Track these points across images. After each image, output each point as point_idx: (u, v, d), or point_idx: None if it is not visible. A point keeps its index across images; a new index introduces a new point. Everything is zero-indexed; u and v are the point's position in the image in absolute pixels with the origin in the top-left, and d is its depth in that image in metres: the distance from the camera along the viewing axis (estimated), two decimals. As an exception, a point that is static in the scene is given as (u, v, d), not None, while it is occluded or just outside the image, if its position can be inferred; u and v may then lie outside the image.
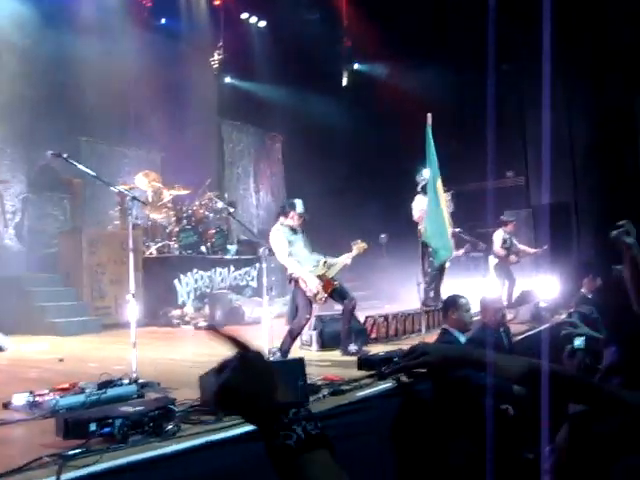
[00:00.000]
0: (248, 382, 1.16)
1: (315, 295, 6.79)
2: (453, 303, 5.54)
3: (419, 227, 9.73)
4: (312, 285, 6.76)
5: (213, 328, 1.20)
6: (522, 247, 11.93)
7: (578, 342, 3.16)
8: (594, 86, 14.35)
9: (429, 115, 9.07)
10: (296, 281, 6.85)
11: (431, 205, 9.13)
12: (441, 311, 5.73)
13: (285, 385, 1.19)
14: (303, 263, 6.91)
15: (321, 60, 15.96)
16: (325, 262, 7.00)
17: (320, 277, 6.85)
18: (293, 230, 7.01)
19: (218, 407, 1.18)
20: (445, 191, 9.71)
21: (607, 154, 14.13)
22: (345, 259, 7.12)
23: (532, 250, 12.02)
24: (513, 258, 11.63)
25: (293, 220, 7.03)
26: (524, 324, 9.03)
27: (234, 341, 1.20)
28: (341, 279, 7.19)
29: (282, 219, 7.07)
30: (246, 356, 1.18)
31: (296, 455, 1.09)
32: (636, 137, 14.22)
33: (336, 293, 7.00)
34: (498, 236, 11.70)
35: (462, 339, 5.41)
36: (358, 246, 7.24)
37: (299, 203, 7.11)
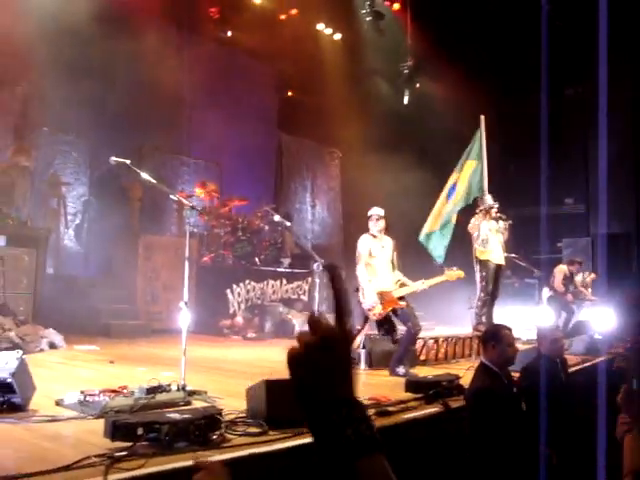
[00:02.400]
0: (318, 364, 1.11)
1: (370, 310, 6.92)
2: (494, 335, 4.90)
3: (475, 248, 9.65)
4: (368, 299, 6.93)
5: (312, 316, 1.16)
6: (582, 290, 11.75)
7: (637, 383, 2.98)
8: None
9: (482, 117, 9.06)
10: (358, 291, 6.97)
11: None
12: (481, 343, 5.07)
13: (351, 383, 1.14)
14: (379, 276, 7.00)
15: (384, 77, 15.96)
16: (398, 281, 7.06)
17: (383, 294, 6.92)
18: (380, 243, 7.10)
19: (291, 376, 1.14)
20: (504, 219, 9.66)
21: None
22: (428, 283, 7.14)
23: (591, 296, 11.85)
24: (570, 297, 11.47)
25: (370, 226, 7.21)
26: (577, 356, 8.81)
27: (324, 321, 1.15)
28: (413, 303, 7.22)
29: (370, 227, 7.26)
30: (328, 337, 1.13)
31: (347, 458, 1.05)
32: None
33: (402, 314, 7.03)
34: (560, 271, 11.55)
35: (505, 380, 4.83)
36: (451, 273, 7.23)
37: (372, 208, 7.30)
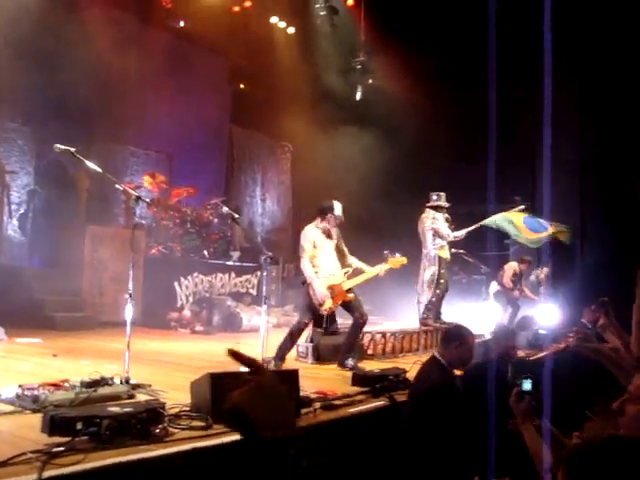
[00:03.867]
0: (257, 407, 1.14)
1: (320, 304, 6.90)
2: (461, 336, 4.85)
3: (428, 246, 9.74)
4: (318, 295, 6.90)
5: (233, 352, 1.23)
6: (527, 290, 12.01)
7: (527, 385, 3.10)
8: (601, 118, 14.37)
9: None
10: (307, 285, 6.93)
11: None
12: (442, 340, 5.01)
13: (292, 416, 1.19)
14: (325, 269, 6.98)
15: (337, 72, 15.96)
16: (346, 272, 7.05)
17: (333, 287, 6.91)
18: (326, 234, 7.06)
19: (227, 423, 1.19)
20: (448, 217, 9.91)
21: (613, 182, 14.17)
22: (373, 272, 7.12)
23: (534, 297, 12.11)
24: (517, 294, 11.71)
25: (329, 223, 7.10)
26: (521, 350, 8.95)
27: (252, 363, 1.22)
28: (358, 293, 7.22)
29: (317, 221, 7.16)
30: (261, 380, 1.17)
31: None
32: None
33: (350, 306, 7.04)
34: (511, 268, 11.78)
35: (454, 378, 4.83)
36: (394, 260, 7.18)
37: (338, 206, 7.16)
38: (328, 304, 6.95)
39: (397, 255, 7.21)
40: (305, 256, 6.99)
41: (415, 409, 4.67)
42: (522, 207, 9.68)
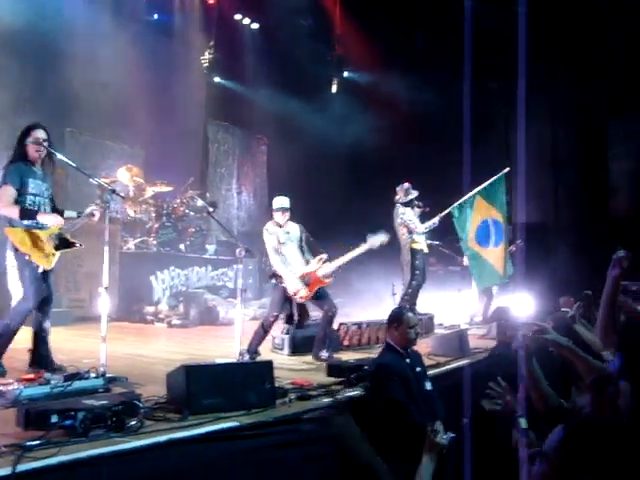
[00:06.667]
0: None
1: (295, 294, 7.03)
2: (397, 318, 5.19)
3: (405, 239, 9.79)
4: (291, 286, 7.02)
5: None
6: None
7: (523, 424, 3.18)
8: (576, 110, 14.59)
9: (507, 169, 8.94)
10: (278, 277, 7.00)
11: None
12: (386, 323, 5.34)
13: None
14: (291, 264, 7.05)
15: (311, 66, 15.97)
16: (320, 259, 7.11)
17: (307, 274, 6.99)
18: (284, 230, 7.15)
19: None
20: (420, 207, 9.93)
21: (584, 173, 14.41)
22: (349, 255, 7.15)
23: None
24: None
25: (276, 217, 7.20)
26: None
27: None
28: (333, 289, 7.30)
29: (275, 217, 7.29)
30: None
31: None
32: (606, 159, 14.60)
33: (318, 298, 7.12)
34: None
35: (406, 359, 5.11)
36: (373, 240, 7.09)
37: (276, 199, 7.31)
38: (303, 292, 7.03)
39: (378, 234, 7.17)
40: (270, 250, 7.13)
41: (371, 387, 5.04)
42: (507, 170, 9.40)
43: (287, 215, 7.26)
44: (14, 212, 5.42)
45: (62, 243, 5.76)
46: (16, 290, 6.29)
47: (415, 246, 9.82)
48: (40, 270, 5.59)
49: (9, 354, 6.45)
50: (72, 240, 5.85)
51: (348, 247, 7.24)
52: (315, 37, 16.25)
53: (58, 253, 5.71)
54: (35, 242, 5.52)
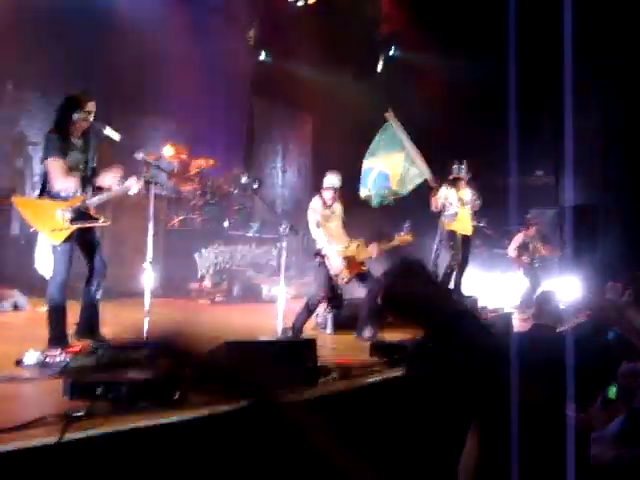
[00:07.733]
0: (408, 286, 1.15)
1: (337, 275, 6.88)
2: None
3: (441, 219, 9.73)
4: (335, 264, 6.90)
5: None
6: (539, 246, 11.80)
7: (612, 393, 3.01)
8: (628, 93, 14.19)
9: (390, 112, 8.93)
10: (322, 256, 6.96)
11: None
12: None
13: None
14: (335, 241, 7.02)
15: (358, 44, 15.80)
16: (358, 245, 7.08)
17: (348, 258, 6.96)
18: (328, 206, 7.12)
19: (386, 310, 1.23)
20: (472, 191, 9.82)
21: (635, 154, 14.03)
22: (380, 247, 7.16)
23: (545, 252, 11.90)
24: (525, 258, 11.61)
25: (324, 196, 7.16)
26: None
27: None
28: (369, 265, 7.25)
29: (323, 194, 7.28)
30: (406, 262, 1.18)
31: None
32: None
33: (363, 277, 7.06)
34: (517, 239, 11.73)
35: None
36: (401, 238, 7.24)
37: (328, 177, 7.23)
38: (344, 275, 6.99)
39: (402, 234, 7.30)
40: (313, 225, 7.05)
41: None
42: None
43: (336, 194, 7.22)
44: (70, 184, 5.39)
45: (80, 217, 5.44)
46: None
47: (448, 227, 9.81)
48: (57, 244, 5.37)
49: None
50: (95, 215, 5.56)
51: (388, 237, 7.27)
52: (362, 15, 16.05)
53: (72, 227, 5.38)
54: (39, 214, 5.34)
